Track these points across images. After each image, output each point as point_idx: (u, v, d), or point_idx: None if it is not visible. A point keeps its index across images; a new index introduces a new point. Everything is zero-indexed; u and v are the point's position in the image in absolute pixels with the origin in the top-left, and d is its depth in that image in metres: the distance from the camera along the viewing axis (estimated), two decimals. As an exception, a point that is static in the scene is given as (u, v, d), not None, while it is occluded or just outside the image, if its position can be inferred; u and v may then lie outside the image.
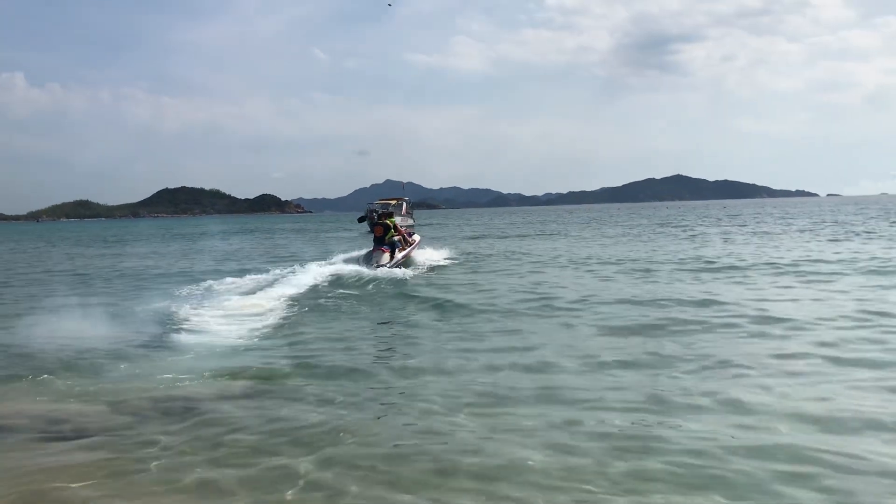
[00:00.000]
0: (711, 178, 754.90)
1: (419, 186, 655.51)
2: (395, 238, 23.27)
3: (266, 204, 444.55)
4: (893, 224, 44.79)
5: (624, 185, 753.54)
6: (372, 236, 23.67)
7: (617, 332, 11.52)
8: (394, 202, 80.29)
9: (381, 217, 23.98)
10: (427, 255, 26.09)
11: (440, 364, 9.63)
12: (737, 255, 25.01)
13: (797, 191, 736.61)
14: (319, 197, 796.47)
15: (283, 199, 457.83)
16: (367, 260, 21.90)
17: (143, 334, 12.29)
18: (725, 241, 34.04)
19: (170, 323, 13.21)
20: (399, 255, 22.69)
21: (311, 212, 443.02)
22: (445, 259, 26.06)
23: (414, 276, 20.49)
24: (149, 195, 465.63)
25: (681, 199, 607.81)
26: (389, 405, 7.85)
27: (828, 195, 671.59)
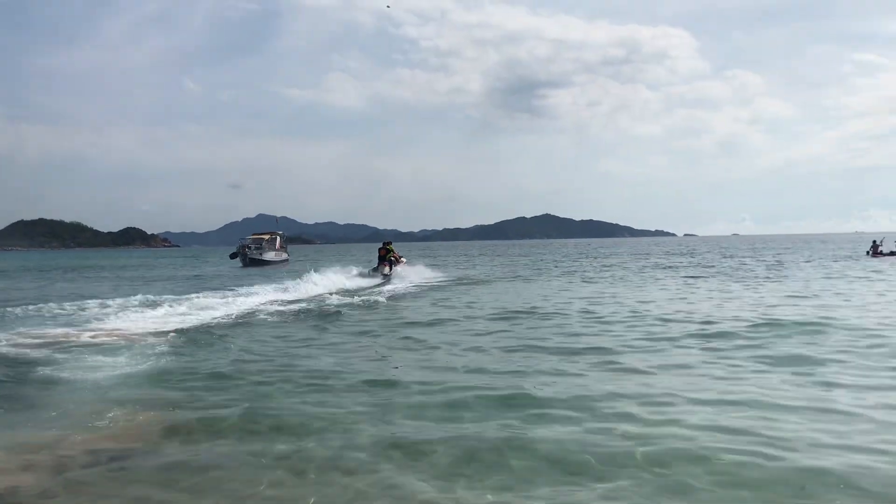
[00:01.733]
0: (578, 218, 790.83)
1: (293, 221, 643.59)
2: (392, 258, 35.11)
3: (131, 237, 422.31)
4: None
5: (496, 223, 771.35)
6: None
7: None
8: (267, 237, 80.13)
9: (384, 243, 35.97)
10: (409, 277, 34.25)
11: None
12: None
13: (656, 230, 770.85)
14: (188, 231, 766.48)
15: (149, 232, 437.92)
16: (375, 270, 34.43)
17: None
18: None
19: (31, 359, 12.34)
20: (395, 268, 34.77)
21: (178, 246, 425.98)
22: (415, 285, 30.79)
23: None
24: (2, 227, 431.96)
25: (549, 237, 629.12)
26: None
27: (685, 235, 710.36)
